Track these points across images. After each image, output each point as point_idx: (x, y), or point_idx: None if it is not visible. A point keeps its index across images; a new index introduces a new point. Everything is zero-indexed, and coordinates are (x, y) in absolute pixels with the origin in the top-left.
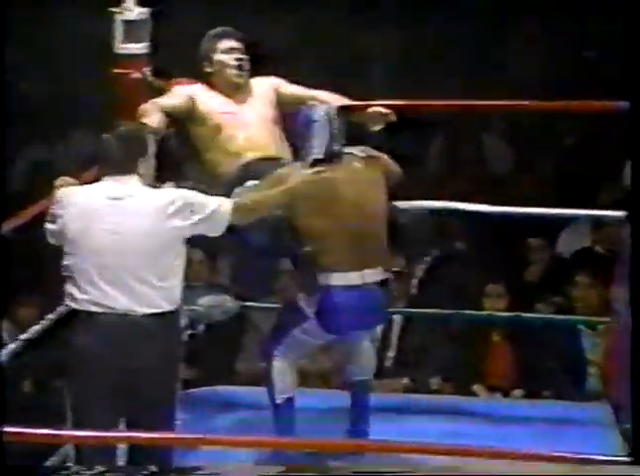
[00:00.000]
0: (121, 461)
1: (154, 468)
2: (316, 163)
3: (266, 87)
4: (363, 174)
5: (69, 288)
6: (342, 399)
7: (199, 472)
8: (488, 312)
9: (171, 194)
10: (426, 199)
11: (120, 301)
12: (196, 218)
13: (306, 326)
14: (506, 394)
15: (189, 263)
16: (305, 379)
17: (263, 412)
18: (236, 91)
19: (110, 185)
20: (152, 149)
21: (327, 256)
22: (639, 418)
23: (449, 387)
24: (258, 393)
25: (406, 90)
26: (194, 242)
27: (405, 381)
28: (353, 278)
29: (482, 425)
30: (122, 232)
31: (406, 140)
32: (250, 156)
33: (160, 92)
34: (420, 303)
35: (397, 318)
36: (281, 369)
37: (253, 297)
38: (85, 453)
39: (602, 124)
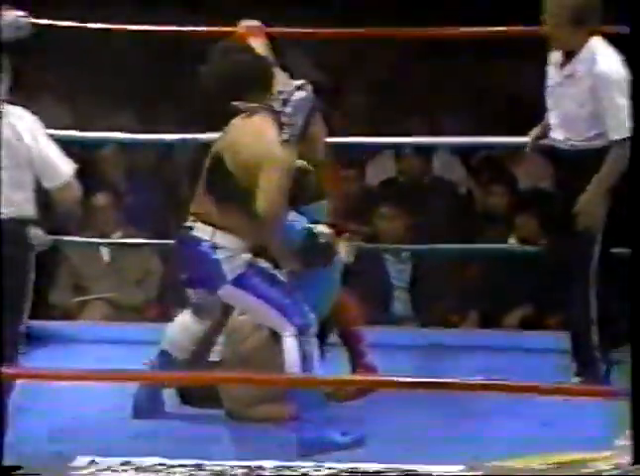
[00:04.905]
0: None
1: None
2: None
3: None
4: None
5: None
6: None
7: (20, 471)
8: None
9: (29, 116)
10: None
11: None
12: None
13: None
14: None
15: None
16: (120, 312)
17: (77, 345)
18: None
19: None
20: (8, 70)
21: None
22: (639, 419)
23: None
24: (71, 326)
25: None
26: None
27: None
28: None
29: None
30: None
31: None
32: None
33: None
34: None
35: None
36: None
37: None
38: None
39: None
